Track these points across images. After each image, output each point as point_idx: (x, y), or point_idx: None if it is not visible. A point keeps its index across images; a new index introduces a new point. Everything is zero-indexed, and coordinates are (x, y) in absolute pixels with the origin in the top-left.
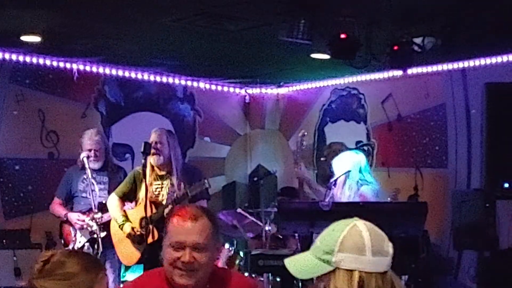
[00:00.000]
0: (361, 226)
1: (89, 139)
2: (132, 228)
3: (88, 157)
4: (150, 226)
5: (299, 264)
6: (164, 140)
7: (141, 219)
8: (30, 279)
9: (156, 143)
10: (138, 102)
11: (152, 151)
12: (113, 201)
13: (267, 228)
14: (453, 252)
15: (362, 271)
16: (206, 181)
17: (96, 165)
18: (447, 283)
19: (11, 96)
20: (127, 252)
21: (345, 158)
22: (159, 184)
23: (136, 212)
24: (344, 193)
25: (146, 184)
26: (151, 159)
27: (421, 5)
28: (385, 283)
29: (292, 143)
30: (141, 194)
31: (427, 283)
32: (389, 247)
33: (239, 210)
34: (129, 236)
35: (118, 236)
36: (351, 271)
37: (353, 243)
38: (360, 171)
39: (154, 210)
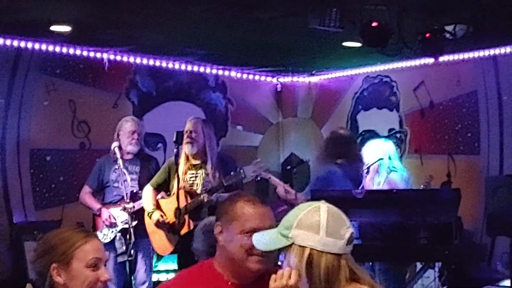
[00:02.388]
0: (322, 208)
1: (132, 121)
2: (161, 216)
3: (119, 147)
4: (186, 217)
5: (263, 237)
6: (199, 129)
7: (175, 209)
8: (31, 264)
9: (190, 132)
10: (170, 92)
11: (186, 140)
12: (147, 191)
13: None
14: (487, 239)
15: (313, 249)
16: (242, 171)
17: (135, 148)
18: (481, 269)
19: (41, 87)
20: (162, 242)
21: (375, 146)
22: (193, 174)
23: (170, 202)
24: (374, 180)
25: (178, 174)
26: (185, 148)
27: None
28: (336, 265)
29: (324, 132)
30: (175, 184)
31: (460, 270)
32: (347, 232)
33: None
34: (157, 224)
35: (153, 226)
36: (303, 247)
37: (310, 222)
38: (389, 158)
39: (189, 200)
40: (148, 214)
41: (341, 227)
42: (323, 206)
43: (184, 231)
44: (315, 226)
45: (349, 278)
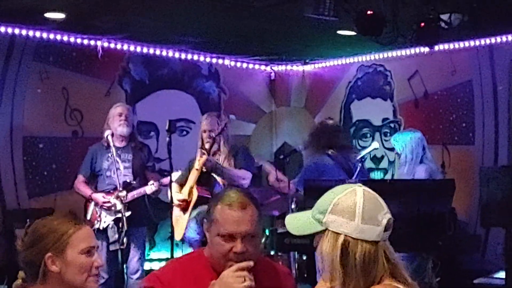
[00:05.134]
0: (359, 193)
1: (120, 105)
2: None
3: (112, 134)
4: (193, 189)
5: (296, 221)
6: (215, 127)
7: (190, 188)
8: (19, 253)
9: (209, 131)
10: (163, 80)
11: (207, 140)
12: (173, 187)
13: (292, 206)
14: (481, 230)
15: (348, 236)
16: (226, 118)
17: (125, 130)
18: (474, 260)
19: (34, 74)
20: (179, 228)
21: (404, 136)
22: (203, 157)
23: (185, 187)
24: (403, 170)
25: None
26: (207, 146)
27: None
28: (373, 252)
29: (317, 121)
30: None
31: (454, 261)
32: (384, 218)
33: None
34: (180, 204)
35: (176, 216)
36: (338, 234)
37: (345, 207)
38: (423, 149)
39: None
40: (173, 196)
41: (378, 212)
42: (359, 190)
43: (193, 199)
44: (350, 212)
45: (387, 268)
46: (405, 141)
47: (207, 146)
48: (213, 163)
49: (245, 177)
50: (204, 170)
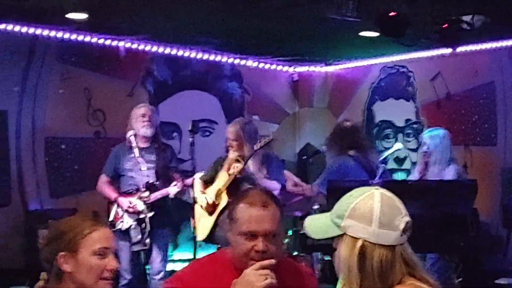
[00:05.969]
0: (376, 196)
1: (143, 106)
2: (205, 198)
3: (135, 135)
4: (222, 195)
5: (315, 224)
6: (240, 134)
7: (218, 190)
8: (40, 251)
9: (232, 140)
10: (186, 80)
11: (230, 148)
12: (196, 182)
13: (315, 207)
14: (503, 231)
15: (366, 241)
16: (270, 133)
17: (148, 131)
18: (497, 261)
19: (57, 75)
20: (202, 227)
21: (436, 134)
22: (238, 165)
23: (213, 187)
24: (433, 171)
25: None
26: (230, 153)
27: None
28: (390, 257)
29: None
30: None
31: (476, 262)
32: (401, 222)
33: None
34: (202, 206)
35: (199, 213)
36: (356, 238)
37: (362, 212)
38: (450, 151)
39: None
40: (195, 198)
41: (396, 217)
42: (377, 194)
43: (222, 205)
44: (367, 217)
45: (405, 271)
46: (438, 140)
47: (231, 153)
48: (248, 173)
49: (275, 189)
50: (238, 176)
